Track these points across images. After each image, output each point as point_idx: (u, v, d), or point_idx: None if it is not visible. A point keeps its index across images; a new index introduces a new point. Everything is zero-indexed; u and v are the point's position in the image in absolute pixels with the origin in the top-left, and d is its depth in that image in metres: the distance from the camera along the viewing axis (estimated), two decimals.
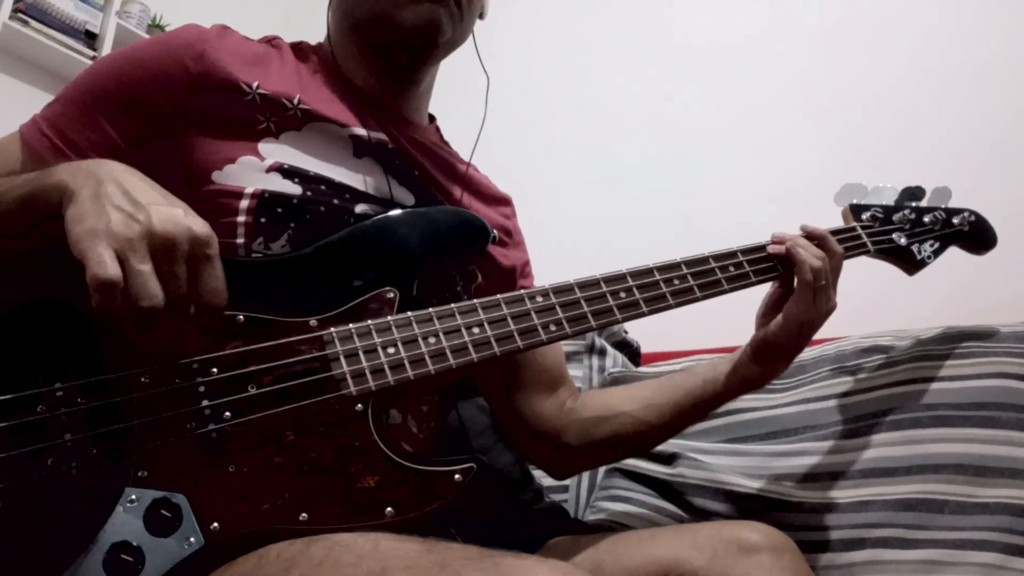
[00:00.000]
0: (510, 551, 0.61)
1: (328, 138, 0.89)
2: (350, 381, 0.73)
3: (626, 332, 1.65)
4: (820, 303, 0.91)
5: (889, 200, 1.10)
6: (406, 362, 0.75)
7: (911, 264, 1.09)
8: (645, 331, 1.58)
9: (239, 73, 0.86)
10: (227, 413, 0.69)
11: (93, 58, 2.59)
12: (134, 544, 0.63)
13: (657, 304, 0.88)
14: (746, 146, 1.94)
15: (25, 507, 0.63)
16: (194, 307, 0.65)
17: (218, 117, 0.85)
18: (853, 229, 1.04)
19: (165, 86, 0.85)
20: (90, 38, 2.66)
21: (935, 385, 1.08)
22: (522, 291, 0.83)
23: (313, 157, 0.88)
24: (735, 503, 1.15)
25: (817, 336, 1.34)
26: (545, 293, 0.83)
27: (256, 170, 0.84)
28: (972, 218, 1.12)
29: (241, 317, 0.74)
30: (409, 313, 0.78)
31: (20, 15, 2.48)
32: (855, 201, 1.09)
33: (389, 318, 0.77)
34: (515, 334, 0.80)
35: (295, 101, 0.88)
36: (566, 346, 1.53)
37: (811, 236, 0.96)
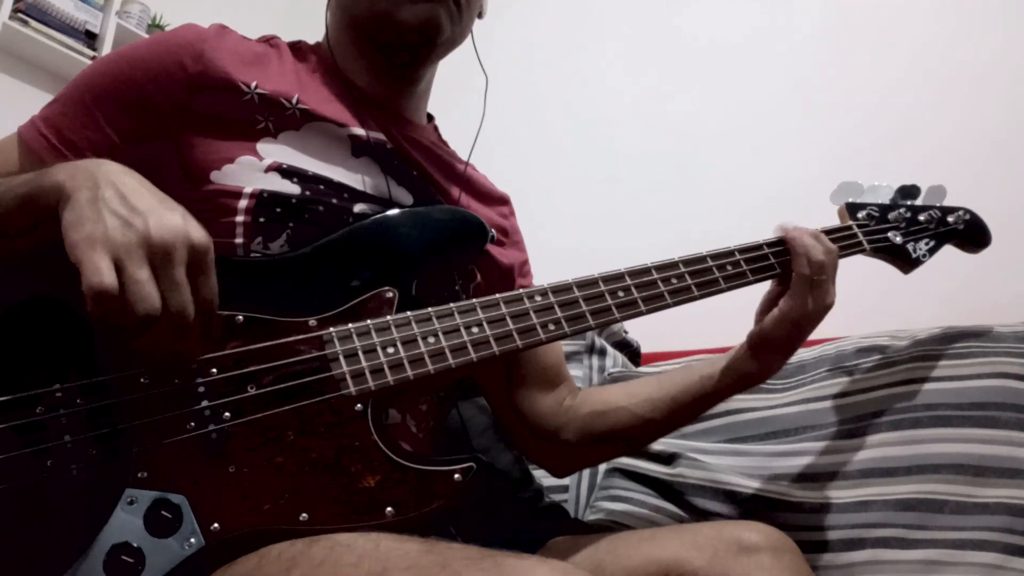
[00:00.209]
0: (511, 551, 0.61)
1: (326, 138, 0.89)
2: (349, 381, 0.73)
3: (626, 332, 1.65)
4: (817, 298, 0.91)
5: (884, 199, 1.11)
6: (405, 362, 0.75)
7: (906, 262, 1.09)
8: (645, 331, 1.59)
9: (238, 73, 0.86)
10: (227, 413, 0.69)
11: (93, 58, 2.59)
12: (134, 545, 0.63)
13: (655, 303, 0.88)
14: (745, 146, 1.94)
15: (25, 508, 0.63)
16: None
17: (217, 117, 0.85)
18: (849, 227, 1.04)
19: (164, 86, 0.85)
20: (90, 38, 2.66)
21: (935, 385, 1.08)
22: (521, 291, 0.83)
23: (312, 157, 0.88)
24: (735, 503, 1.15)
25: (817, 336, 1.34)
26: (544, 292, 0.83)
27: (255, 170, 0.84)
28: (967, 216, 1.12)
29: (240, 317, 0.74)
30: (408, 313, 0.78)
31: (20, 15, 2.48)
32: (851, 200, 1.09)
33: (388, 318, 0.77)
34: (514, 333, 0.80)
35: (294, 101, 0.88)
36: (566, 346, 1.53)
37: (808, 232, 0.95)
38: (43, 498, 0.64)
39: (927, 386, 1.09)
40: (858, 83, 1.79)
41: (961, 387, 1.06)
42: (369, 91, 0.97)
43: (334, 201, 0.86)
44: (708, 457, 1.22)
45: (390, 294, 0.79)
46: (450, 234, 0.87)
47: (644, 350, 1.65)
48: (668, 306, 0.89)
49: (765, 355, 0.94)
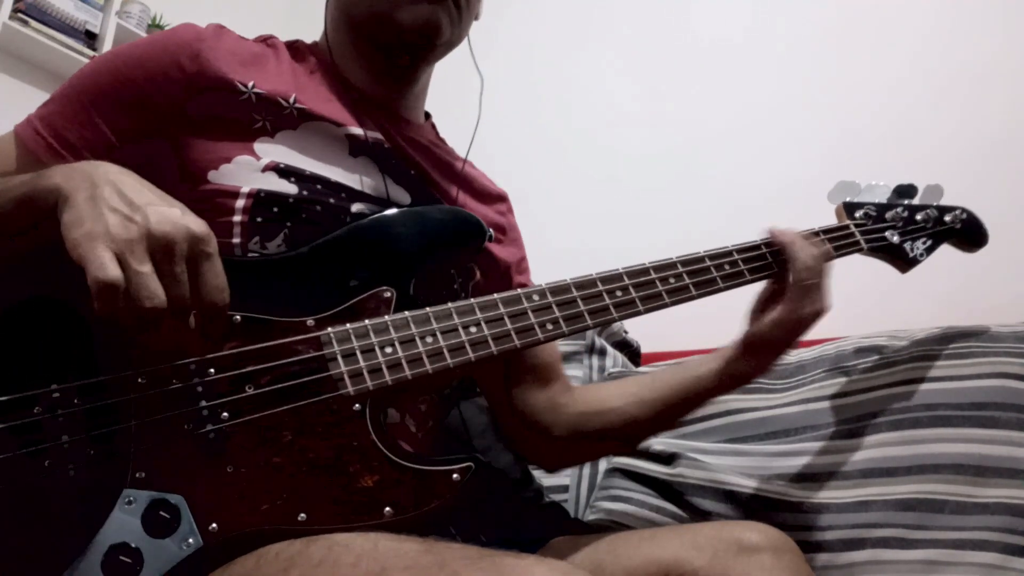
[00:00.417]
0: (509, 551, 0.61)
1: (324, 137, 0.89)
2: (348, 381, 0.73)
3: (626, 332, 1.65)
4: (813, 300, 0.91)
5: (882, 198, 1.11)
6: (403, 362, 0.75)
7: (904, 262, 1.09)
8: (645, 331, 1.58)
9: (235, 73, 0.86)
10: (225, 414, 0.69)
11: (93, 58, 2.58)
12: (132, 545, 0.63)
13: (653, 303, 0.88)
14: (744, 145, 1.94)
15: (22, 509, 0.63)
16: (197, 306, 0.65)
17: (214, 117, 0.85)
18: (846, 227, 1.04)
19: (161, 85, 0.85)
20: (90, 38, 2.66)
21: (935, 385, 1.08)
22: (519, 290, 0.83)
23: (309, 156, 0.88)
24: (735, 503, 1.14)
25: (817, 336, 1.34)
26: (542, 292, 0.84)
27: (252, 169, 0.84)
28: (964, 215, 1.12)
29: (238, 317, 0.74)
30: (406, 313, 0.78)
31: (20, 15, 2.48)
32: (848, 199, 1.09)
33: (386, 318, 0.77)
34: (512, 333, 0.80)
35: (291, 100, 0.88)
36: (566, 346, 1.53)
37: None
38: (41, 499, 0.64)
39: (927, 386, 1.09)
40: (857, 83, 1.79)
41: (961, 387, 1.06)
42: (367, 91, 0.97)
43: (332, 201, 0.86)
44: (708, 457, 1.22)
45: (388, 294, 0.79)
46: (448, 233, 0.87)
47: (644, 350, 1.64)
48: (666, 305, 0.89)
49: (758, 355, 0.94)
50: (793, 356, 1.30)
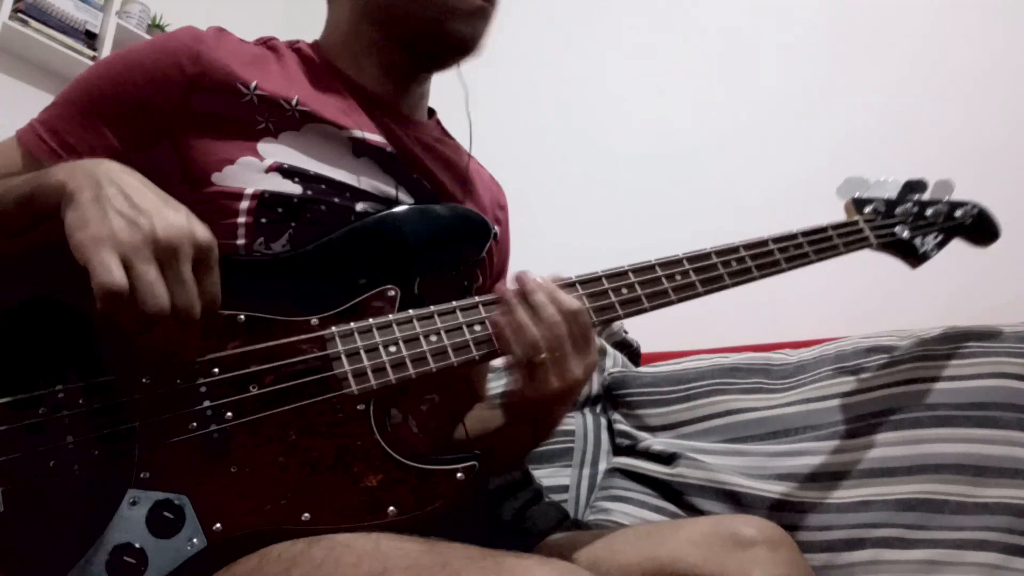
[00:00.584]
0: (511, 551, 0.61)
1: (327, 138, 0.89)
2: (352, 380, 0.73)
3: (626, 332, 1.65)
4: (547, 381, 0.76)
5: (891, 193, 1.10)
6: (407, 360, 0.75)
7: (913, 257, 1.09)
8: (645, 331, 1.58)
9: (236, 74, 0.86)
10: (229, 413, 0.70)
11: (93, 58, 2.58)
12: (137, 546, 0.63)
13: (659, 300, 0.88)
14: (749, 143, 1.94)
15: (28, 510, 0.63)
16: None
17: (216, 118, 0.85)
18: (855, 223, 1.04)
19: (162, 88, 0.84)
20: (90, 38, 2.65)
21: (935, 385, 1.09)
22: None
23: (312, 157, 0.87)
24: (735, 503, 1.15)
25: (818, 336, 1.35)
26: None
27: (255, 170, 0.84)
28: (975, 211, 1.12)
29: (242, 317, 0.74)
30: (411, 311, 0.78)
31: (20, 15, 2.47)
32: (857, 194, 1.08)
33: (391, 316, 0.77)
34: None
35: (293, 102, 0.88)
36: None
37: (524, 293, 0.79)
38: (46, 499, 0.64)
39: (928, 386, 1.09)
40: (861, 81, 1.79)
41: (962, 387, 1.07)
42: (372, 89, 0.96)
43: (336, 200, 0.86)
44: (708, 457, 1.22)
45: (392, 292, 0.79)
46: (453, 231, 0.87)
47: (644, 350, 1.65)
48: (672, 302, 0.88)
49: (520, 416, 0.85)
50: (793, 356, 1.30)
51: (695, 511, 1.18)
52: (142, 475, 0.66)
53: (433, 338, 0.77)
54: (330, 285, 0.78)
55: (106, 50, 2.65)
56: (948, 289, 1.38)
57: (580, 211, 2.16)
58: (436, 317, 0.78)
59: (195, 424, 0.69)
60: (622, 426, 1.39)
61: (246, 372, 0.71)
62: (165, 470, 0.67)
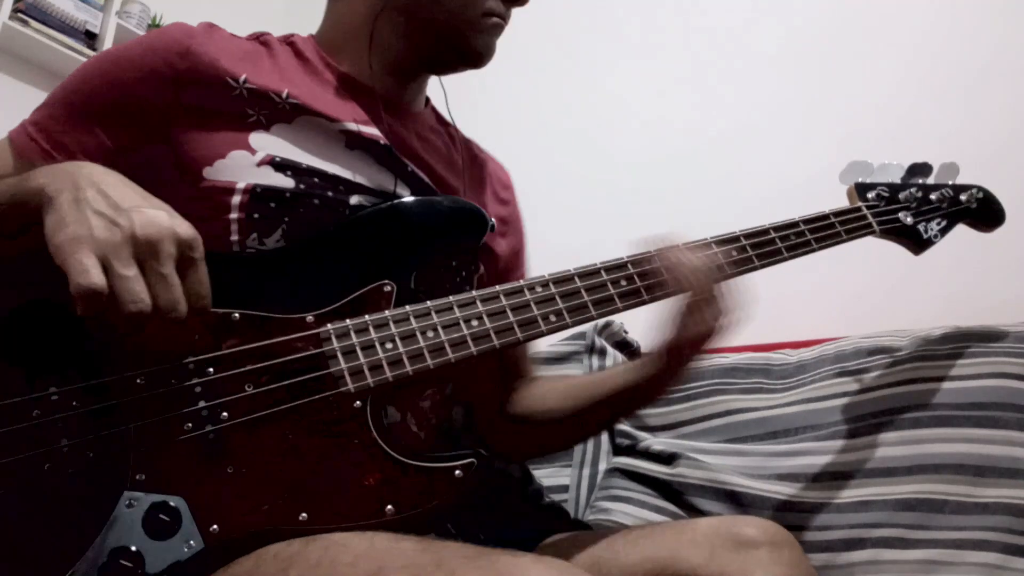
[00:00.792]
0: (507, 549, 0.61)
1: (319, 131, 0.88)
2: (348, 378, 0.73)
3: (626, 332, 1.64)
4: (696, 321, 0.87)
5: (895, 178, 1.08)
6: (404, 358, 0.75)
7: (917, 244, 1.07)
8: (646, 331, 1.58)
9: (226, 68, 0.85)
10: (224, 413, 0.69)
11: (85, 61, 2.58)
12: (133, 549, 0.63)
13: (658, 292, 0.87)
14: (748, 143, 1.94)
15: (23, 513, 0.63)
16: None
17: (207, 112, 0.84)
18: (858, 209, 1.02)
19: (153, 84, 0.84)
20: (90, 38, 2.65)
21: (935, 385, 1.08)
22: (521, 282, 0.82)
23: (305, 150, 0.87)
24: (735, 503, 1.15)
25: (818, 336, 1.35)
26: (545, 283, 0.83)
27: (247, 164, 0.83)
28: (980, 195, 1.10)
29: (236, 315, 0.73)
30: (407, 307, 0.77)
31: (20, 15, 2.47)
32: (861, 179, 1.07)
33: (387, 313, 0.77)
34: (514, 326, 0.80)
35: (284, 95, 0.87)
36: (566, 346, 1.53)
37: (680, 249, 0.90)
38: (41, 502, 0.64)
39: (927, 386, 1.09)
40: (863, 81, 1.78)
41: (961, 387, 1.06)
42: (369, 84, 0.96)
43: (329, 194, 0.85)
44: (708, 457, 1.22)
45: (388, 288, 0.79)
46: (449, 223, 0.86)
47: (644, 350, 1.64)
48: (671, 294, 0.88)
49: (675, 361, 0.92)
50: (793, 356, 1.30)
51: (695, 511, 1.18)
52: (138, 477, 0.66)
53: (430, 334, 0.77)
54: (325, 281, 0.78)
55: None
56: (948, 289, 1.37)
57: (580, 211, 2.15)
58: (433, 313, 0.78)
59: (190, 425, 0.68)
60: (622, 426, 1.38)
61: (241, 371, 0.71)
62: (161, 472, 0.66)
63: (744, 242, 0.93)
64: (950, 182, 1.11)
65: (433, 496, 0.71)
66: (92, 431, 0.66)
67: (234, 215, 0.81)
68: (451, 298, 0.79)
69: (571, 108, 2.33)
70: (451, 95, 1.06)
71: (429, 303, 0.78)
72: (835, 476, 1.09)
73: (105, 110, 0.84)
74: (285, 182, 0.83)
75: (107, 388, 0.68)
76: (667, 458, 1.25)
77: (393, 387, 0.75)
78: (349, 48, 0.96)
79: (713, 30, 2.11)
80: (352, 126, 0.90)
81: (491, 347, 0.78)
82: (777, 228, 0.95)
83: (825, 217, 0.99)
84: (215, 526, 0.66)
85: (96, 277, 0.58)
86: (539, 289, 0.82)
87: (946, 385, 1.08)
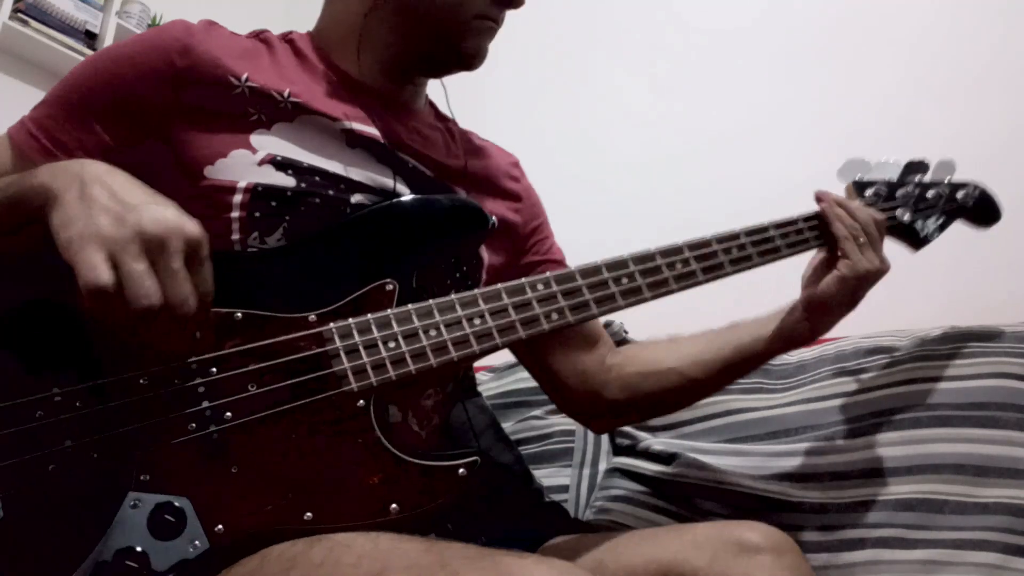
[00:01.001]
0: (510, 550, 0.61)
1: (320, 130, 0.88)
2: (351, 377, 0.73)
3: (626, 332, 1.64)
4: (871, 258, 0.95)
5: (893, 175, 1.09)
6: (407, 356, 0.75)
7: (915, 241, 1.07)
8: (645, 331, 1.58)
9: (227, 66, 0.85)
10: (228, 413, 0.69)
11: (84, 58, 2.57)
12: (138, 549, 0.63)
13: (660, 289, 0.88)
14: (749, 144, 1.94)
15: (27, 514, 0.63)
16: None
17: (207, 111, 0.84)
18: (862, 205, 1.03)
19: (152, 82, 0.84)
20: (90, 38, 2.65)
21: (935, 385, 1.08)
22: (523, 280, 0.83)
23: (306, 148, 0.87)
24: (735, 503, 1.14)
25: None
26: (547, 281, 0.83)
27: (248, 163, 0.83)
28: (976, 192, 1.10)
29: (239, 315, 0.73)
30: (409, 306, 0.78)
31: (20, 15, 2.47)
32: (858, 177, 1.07)
33: (389, 311, 0.77)
34: (517, 324, 0.80)
35: (285, 94, 0.87)
36: None
37: (840, 202, 1.00)
38: (45, 504, 0.64)
39: (927, 386, 1.09)
40: (864, 82, 1.78)
41: (961, 387, 1.06)
42: (368, 82, 0.96)
43: (330, 193, 0.85)
44: (708, 457, 1.22)
45: (390, 287, 0.79)
46: (450, 223, 0.86)
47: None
48: (672, 291, 0.88)
49: (819, 316, 0.97)
50: (793, 356, 1.30)
51: (695, 511, 1.18)
52: (142, 477, 0.66)
53: (433, 333, 0.77)
54: (327, 280, 0.78)
55: None
56: (948, 289, 1.38)
57: (581, 211, 2.15)
58: (435, 311, 0.78)
59: (194, 425, 0.68)
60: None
61: (244, 371, 0.71)
62: (165, 472, 0.66)
63: (745, 239, 0.95)
64: (947, 178, 1.11)
65: (436, 495, 0.71)
66: (96, 432, 0.66)
67: (235, 214, 0.81)
68: (453, 296, 0.79)
69: (571, 109, 2.33)
70: (451, 99, 1.06)
71: (431, 302, 0.78)
72: (835, 476, 1.09)
73: (105, 108, 0.84)
74: (286, 181, 0.83)
75: (110, 388, 0.67)
76: (667, 458, 1.25)
77: (396, 386, 0.75)
78: (345, 46, 0.96)
79: (714, 31, 2.11)
80: (352, 125, 0.90)
81: (493, 345, 0.79)
82: (778, 226, 0.97)
83: (823, 215, 1.00)
84: (220, 526, 0.66)
85: (105, 273, 0.58)
86: (541, 287, 0.83)
87: (946, 385, 1.08)
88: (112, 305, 0.59)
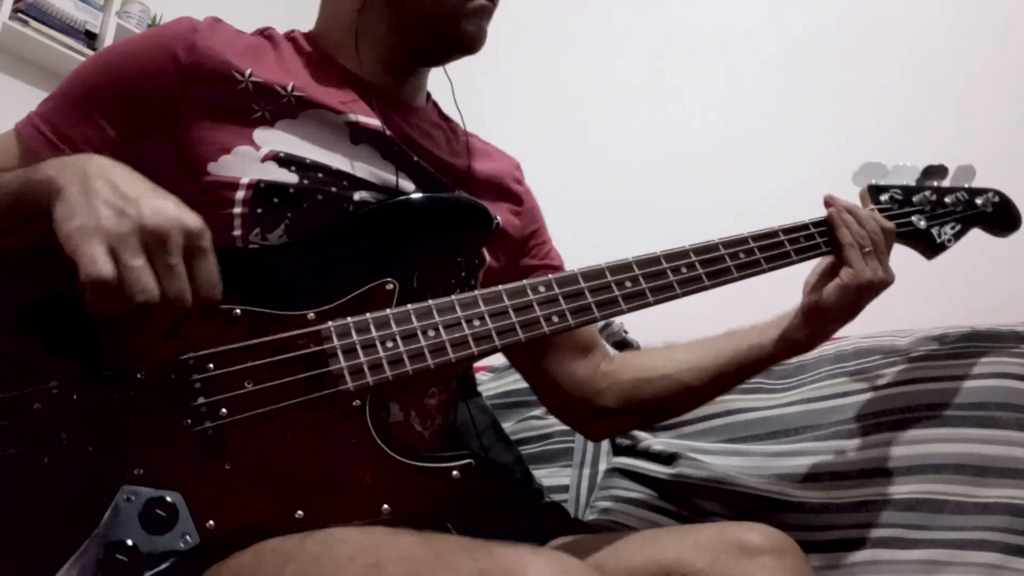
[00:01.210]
0: (505, 541, 0.61)
1: (324, 125, 0.89)
2: (348, 377, 0.73)
3: (626, 332, 1.64)
4: (875, 268, 0.94)
5: (910, 180, 1.07)
6: (405, 357, 0.75)
7: (930, 248, 1.06)
8: (645, 331, 1.58)
9: (231, 62, 0.86)
10: (223, 410, 0.69)
11: (91, 55, 2.57)
12: (130, 543, 0.63)
13: (664, 294, 0.86)
14: (750, 145, 1.93)
15: (21, 506, 0.63)
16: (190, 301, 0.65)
17: (212, 107, 0.85)
18: (870, 212, 1.01)
19: (157, 78, 0.84)
20: (90, 38, 2.65)
21: (935, 385, 1.08)
22: (524, 282, 0.82)
23: (310, 144, 0.87)
24: (735, 503, 1.14)
25: None
26: (548, 284, 0.83)
27: (252, 160, 0.83)
28: (996, 198, 1.09)
29: (238, 311, 0.73)
30: (409, 306, 0.77)
31: (20, 15, 2.47)
32: (874, 181, 1.06)
33: (388, 311, 0.76)
34: (516, 327, 0.80)
35: (289, 89, 0.87)
36: None
37: (850, 208, 0.99)
38: (39, 495, 0.64)
39: (927, 386, 1.09)
40: (864, 83, 1.78)
41: (961, 387, 1.06)
42: (369, 78, 0.96)
43: (333, 189, 0.85)
44: (708, 457, 1.22)
45: (390, 286, 0.78)
46: (452, 222, 0.86)
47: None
48: (677, 296, 0.87)
49: (819, 323, 0.96)
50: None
51: (695, 511, 1.18)
52: (136, 471, 0.66)
53: (431, 334, 0.76)
54: (327, 278, 0.78)
55: None
56: (948, 289, 1.37)
57: (582, 214, 2.15)
58: (435, 312, 0.78)
59: (189, 421, 0.68)
60: None
61: (241, 368, 0.71)
62: (159, 467, 0.66)
63: (752, 244, 0.93)
64: (966, 185, 1.10)
65: (429, 496, 0.71)
66: (91, 425, 0.66)
67: (237, 210, 0.81)
68: (453, 297, 0.79)
69: (573, 110, 2.32)
70: (445, 95, 1.06)
71: (431, 302, 0.78)
72: (835, 476, 1.09)
73: (110, 104, 0.85)
74: (289, 178, 0.84)
75: (107, 382, 0.67)
76: (667, 458, 1.25)
77: (393, 386, 0.75)
78: (344, 43, 0.96)
79: (717, 32, 2.10)
80: (355, 118, 0.90)
81: (492, 347, 0.78)
82: (787, 231, 0.96)
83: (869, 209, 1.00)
84: (211, 522, 0.66)
85: (105, 266, 0.58)
86: (542, 290, 0.82)
87: (946, 385, 1.07)
88: (111, 299, 0.59)
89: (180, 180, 0.80)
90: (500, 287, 0.81)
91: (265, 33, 0.96)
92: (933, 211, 1.06)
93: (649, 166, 2.09)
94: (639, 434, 1.33)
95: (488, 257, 0.99)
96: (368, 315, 0.76)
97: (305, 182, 0.84)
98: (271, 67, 0.89)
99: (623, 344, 1.61)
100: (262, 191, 0.82)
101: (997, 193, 1.10)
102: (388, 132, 0.92)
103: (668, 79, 2.15)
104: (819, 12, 1.92)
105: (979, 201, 1.08)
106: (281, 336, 0.73)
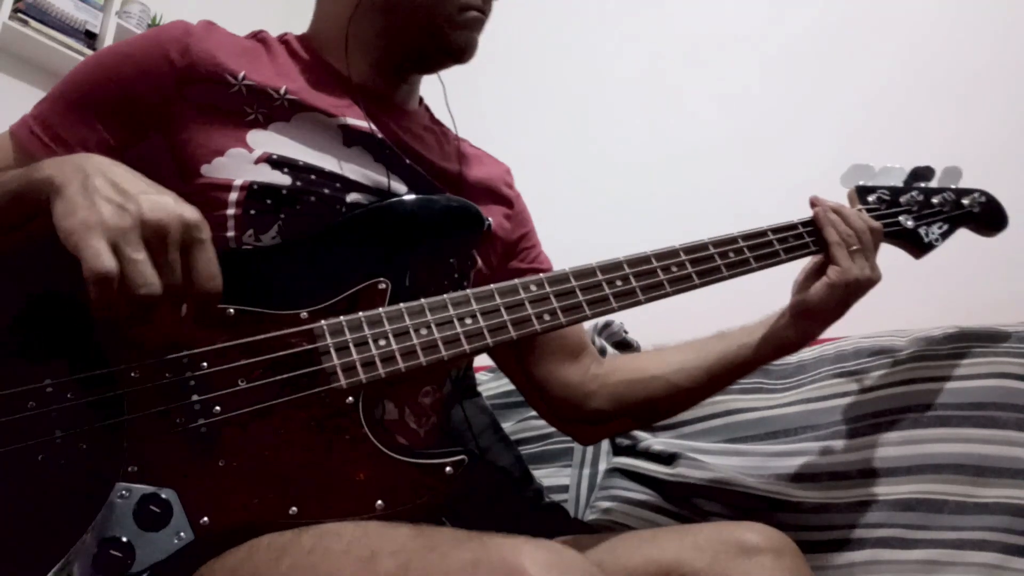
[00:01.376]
0: (499, 532, 0.61)
1: (317, 127, 0.89)
2: (340, 374, 0.73)
3: (626, 332, 1.64)
4: (862, 267, 0.94)
5: (897, 181, 1.08)
6: (397, 354, 0.75)
7: (918, 247, 1.06)
8: (645, 331, 1.58)
9: (225, 64, 0.86)
10: (217, 407, 0.70)
11: (86, 57, 2.58)
12: (124, 539, 0.63)
13: (654, 292, 0.87)
14: (749, 145, 1.93)
15: (15, 504, 0.63)
16: (190, 294, 0.65)
17: (206, 109, 0.85)
18: (857, 212, 1.02)
19: (152, 81, 0.85)
20: (90, 38, 2.65)
21: (935, 385, 1.08)
22: (516, 281, 0.83)
23: (303, 146, 0.88)
24: (735, 503, 1.14)
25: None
26: (539, 283, 0.83)
27: (245, 161, 0.84)
28: (982, 199, 1.09)
29: (231, 310, 0.74)
30: (401, 305, 0.78)
31: (20, 15, 2.47)
32: (862, 183, 1.07)
33: (380, 310, 0.77)
34: (508, 324, 0.80)
35: (282, 91, 0.88)
36: None
37: (837, 209, 1.00)
38: (33, 493, 0.64)
39: (927, 386, 1.08)
40: (864, 83, 1.78)
41: (961, 387, 1.06)
42: (362, 82, 0.96)
43: (326, 191, 0.86)
44: (708, 457, 1.21)
45: (383, 285, 0.79)
46: (445, 223, 0.86)
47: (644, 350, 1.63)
48: (667, 295, 0.88)
49: (807, 323, 0.96)
50: (793, 356, 1.29)
51: (695, 511, 1.18)
52: (130, 469, 0.66)
53: (423, 332, 0.77)
54: (320, 277, 0.78)
55: None
56: (948, 289, 1.37)
57: (576, 212, 2.15)
58: (427, 310, 0.78)
59: (183, 418, 0.68)
60: None
61: (235, 366, 0.71)
62: (153, 464, 0.67)
63: (742, 243, 0.94)
64: (952, 186, 1.10)
65: (422, 492, 0.71)
66: (86, 423, 0.66)
67: (231, 211, 0.82)
68: (445, 296, 0.80)
69: (568, 111, 2.33)
70: (448, 102, 1.06)
71: (423, 301, 0.78)
72: (835, 476, 1.09)
73: (105, 106, 0.85)
74: (282, 179, 0.84)
75: (101, 380, 0.68)
76: (667, 458, 1.25)
77: (386, 383, 0.75)
78: (336, 47, 0.97)
79: (715, 32, 2.11)
80: (348, 121, 0.90)
81: (484, 345, 0.79)
82: (776, 230, 0.97)
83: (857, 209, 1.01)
84: (205, 518, 0.66)
85: (110, 260, 0.58)
86: (534, 288, 0.83)
87: (946, 385, 1.07)
88: (114, 293, 0.59)
89: (174, 182, 0.80)
90: (492, 286, 0.82)
91: (259, 36, 0.97)
92: (920, 211, 1.07)
93: (648, 166, 2.09)
94: (639, 434, 1.33)
95: (479, 260, 0.99)
96: (360, 313, 0.76)
97: (298, 184, 0.84)
98: (265, 70, 0.90)
99: (623, 344, 1.61)
100: (255, 192, 0.82)
101: (983, 193, 1.11)
102: (380, 135, 0.92)
103: (668, 79, 2.15)
104: (819, 13, 1.92)
105: (966, 201, 1.09)
106: (274, 334, 0.74)
